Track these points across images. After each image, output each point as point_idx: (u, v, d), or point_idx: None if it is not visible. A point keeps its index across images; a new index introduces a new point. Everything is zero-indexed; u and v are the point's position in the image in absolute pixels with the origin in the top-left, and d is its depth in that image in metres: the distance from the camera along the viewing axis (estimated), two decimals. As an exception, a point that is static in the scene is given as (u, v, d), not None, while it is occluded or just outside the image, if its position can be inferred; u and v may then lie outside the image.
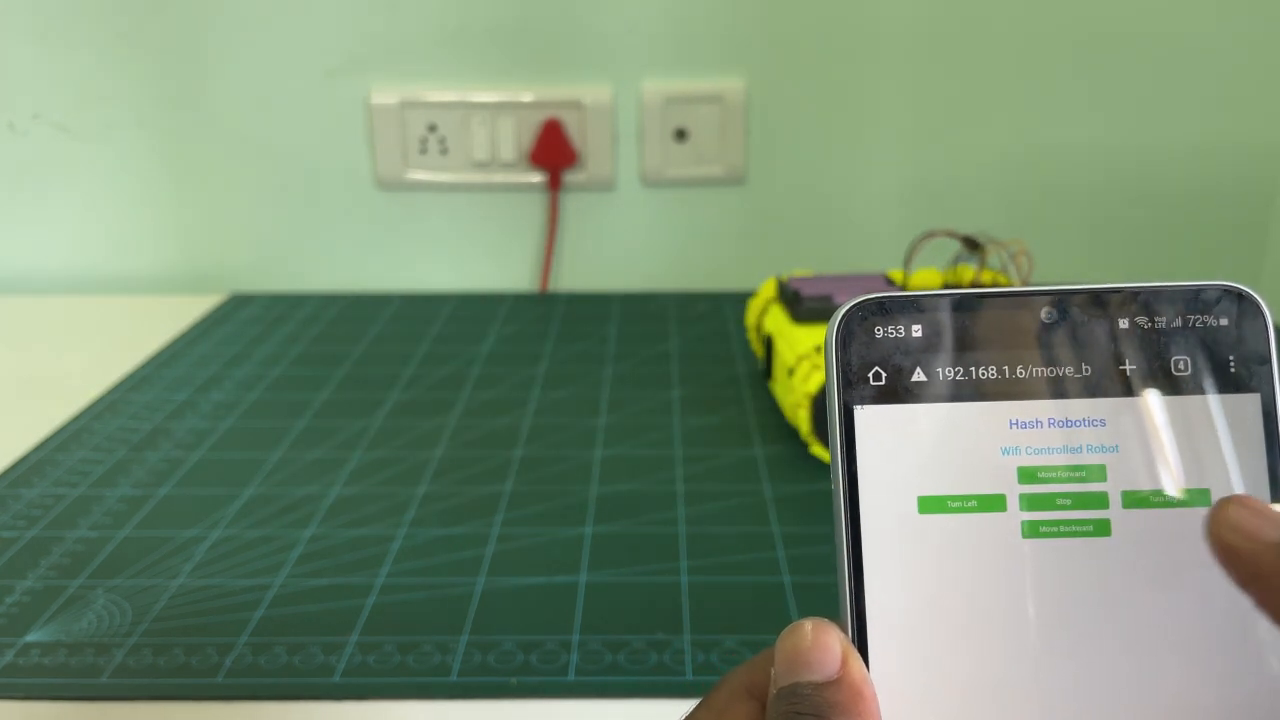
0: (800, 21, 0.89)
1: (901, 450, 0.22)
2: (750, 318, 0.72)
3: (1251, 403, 0.22)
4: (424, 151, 0.91)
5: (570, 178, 0.92)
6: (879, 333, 0.22)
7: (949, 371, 0.22)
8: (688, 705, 0.41)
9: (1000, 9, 0.88)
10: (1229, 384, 0.22)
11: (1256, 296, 0.22)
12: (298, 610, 0.47)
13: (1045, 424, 0.22)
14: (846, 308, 0.22)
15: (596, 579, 0.49)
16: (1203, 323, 0.22)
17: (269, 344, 0.80)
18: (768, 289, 0.71)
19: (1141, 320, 0.22)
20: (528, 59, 0.90)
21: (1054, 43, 0.89)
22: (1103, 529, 0.22)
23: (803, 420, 0.59)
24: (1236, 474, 0.22)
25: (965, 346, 0.22)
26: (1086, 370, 0.22)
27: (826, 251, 0.94)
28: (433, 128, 0.91)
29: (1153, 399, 0.22)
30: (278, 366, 0.76)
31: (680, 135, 0.91)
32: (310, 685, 0.42)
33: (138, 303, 0.90)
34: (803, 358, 0.60)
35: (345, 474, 0.60)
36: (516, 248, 0.95)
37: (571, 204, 0.94)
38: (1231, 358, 0.22)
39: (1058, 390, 0.22)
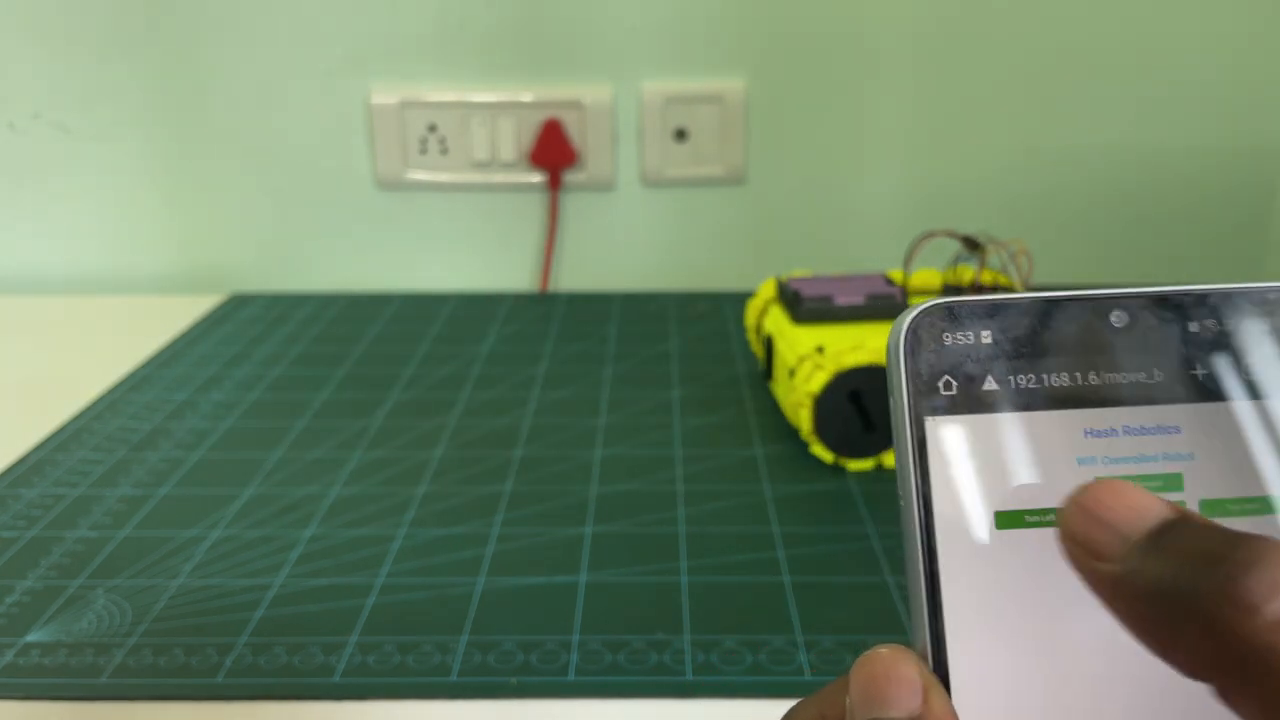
0: (800, 22, 0.89)
1: (975, 463, 0.21)
2: (750, 318, 0.72)
3: None
4: (424, 151, 0.91)
5: (570, 178, 0.92)
6: (948, 339, 0.21)
7: (1021, 379, 0.21)
8: (688, 705, 0.41)
9: (1000, 11, 0.88)
10: None
11: None
12: (298, 610, 0.47)
13: (1120, 432, 0.21)
14: (914, 313, 0.21)
15: (596, 579, 0.49)
16: (1275, 325, 0.21)
17: (269, 344, 0.80)
18: (767, 290, 0.71)
19: (1212, 323, 0.21)
20: (527, 59, 0.90)
21: (1054, 44, 0.89)
22: None
23: (804, 420, 0.59)
24: None
25: (1036, 353, 0.21)
26: (1159, 375, 0.21)
27: (826, 251, 0.94)
28: (433, 128, 0.91)
29: (1227, 404, 0.21)
30: (278, 366, 0.76)
31: (680, 135, 0.91)
32: (310, 685, 0.43)
33: (138, 303, 0.90)
34: (804, 358, 0.60)
35: (345, 474, 0.60)
36: (516, 247, 0.95)
37: (571, 204, 0.94)
38: None
39: (1131, 397, 0.21)
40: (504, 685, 0.42)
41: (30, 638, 0.45)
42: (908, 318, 0.21)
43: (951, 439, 0.21)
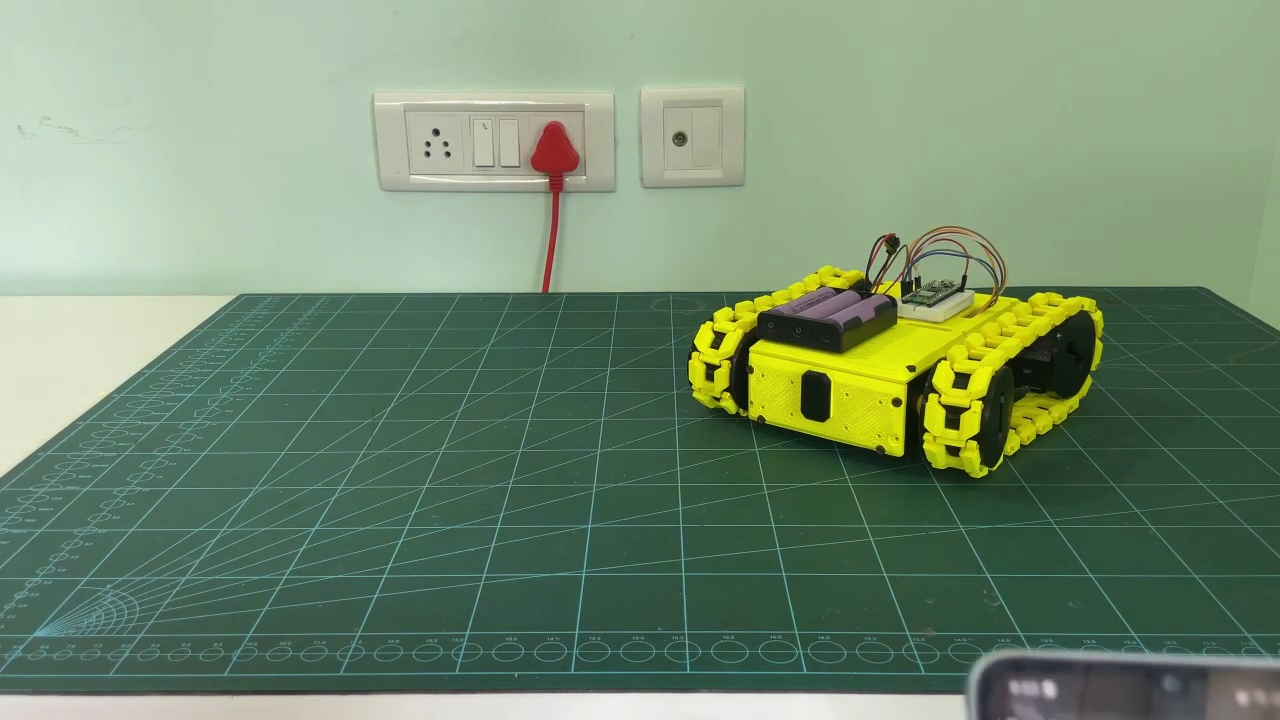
0: (798, 27, 0.89)
1: None
2: (715, 376, 0.65)
3: None
4: (428, 155, 0.92)
5: (571, 180, 0.93)
6: (1014, 687, 0.23)
7: None
8: (687, 698, 0.41)
9: (994, 15, 0.89)
10: None
11: None
12: (304, 605, 0.48)
13: None
14: (986, 663, 0.23)
15: (597, 574, 0.50)
16: None
17: (276, 343, 0.81)
18: (716, 334, 0.65)
19: (1259, 695, 0.22)
20: (530, 64, 0.90)
21: (1049, 47, 0.89)
22: None
23: (973, 453, 0.56)
24: None
25: (1092, 708, 0.23)
26: None
27: (824, 253, 0.95)
28: (436, 131, 0.91)
29: None
30: (284, 365, 0.76)
31: (680, 139, 0.92)
32: (316, 679, 0.43)
33: (146, 303, 0.91)
34: (919, 385, 0.57)
35: (350, 471, 0.60)
36: (518, 249, 0.96)
37: (572, 206, 0.94)
38: None
39: None
40: (506, 679, 0.43)
41: (39, 633, 0.46)
42: (980, 665, 0.23)
43: None
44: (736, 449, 0.63)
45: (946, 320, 0.64)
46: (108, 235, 0.95)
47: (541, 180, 0.92)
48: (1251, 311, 0.91)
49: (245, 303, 0.91)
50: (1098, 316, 0.67)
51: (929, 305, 0.64)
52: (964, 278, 0.68)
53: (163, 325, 0.85)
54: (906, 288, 0.66)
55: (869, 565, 0.50)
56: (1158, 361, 0.76)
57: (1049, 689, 0.23)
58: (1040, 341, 0.64)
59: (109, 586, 0.49)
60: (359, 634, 0.46)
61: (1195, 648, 0.44)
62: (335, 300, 0.91)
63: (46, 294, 0.95)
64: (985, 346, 0.59)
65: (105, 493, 0.58)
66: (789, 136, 0.92)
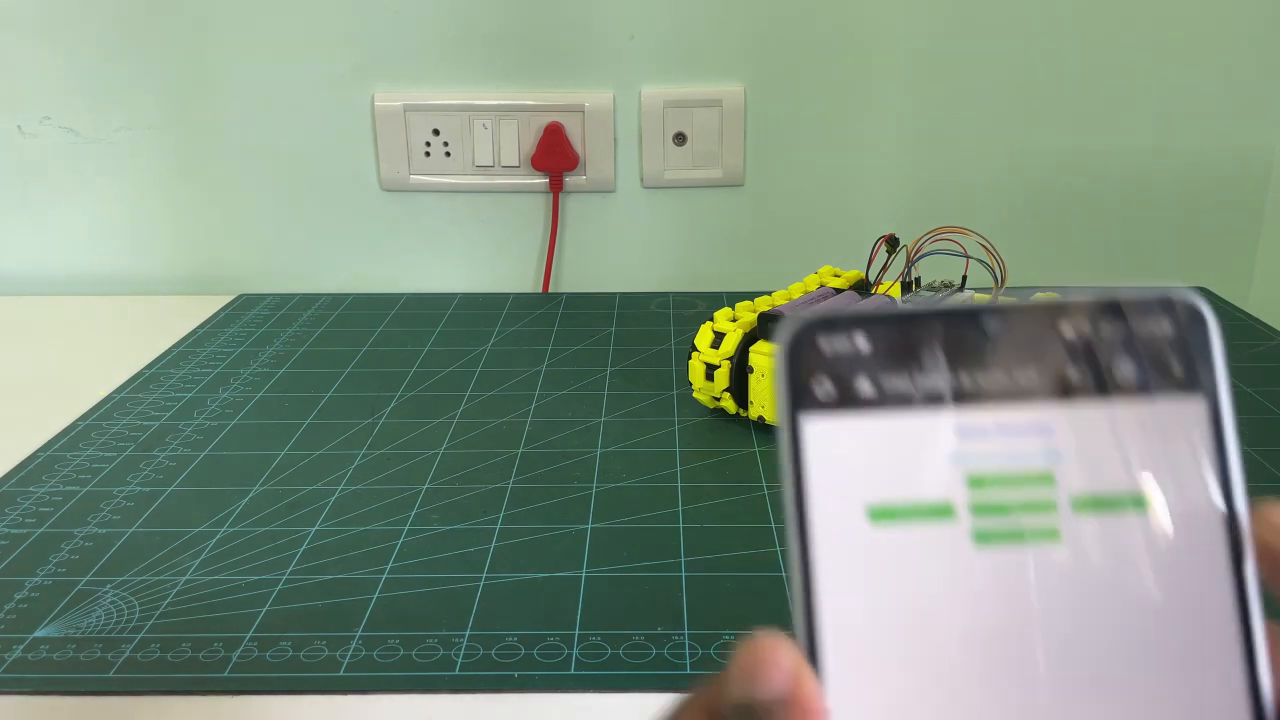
0: (798, 27, 0.89)
1: (850, 461, 0.22)
2: (715, 375, 0.65)
3: (1197, 406, 0.22)
4: (428, 155, 0.92)
5: (571, 180, 0.93)
6: (827, 347, 0.22)
7: (896, 383, 0.22)
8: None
9: (995, 16, 0.89)
10: (1175, 389, 0.22)
11: (1202, 303, 0.23)
12: (304, 605, 0.48)
13: (993, 431, 0.22)
14: (796, 324, 0.22)
15: (597, 574, 0.50)
16: (1148, 330, 0.22)
17: (275, 343, 0.81)
18: (715, 335, 0.66)
19: (1087, 328, 0.22)
20: (529, 64, 0.90)
21: (1049, 48, 0.89)
22: (1052, 535, 0.22)
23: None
24: (1183, 478, 0.22)
25: (912, 359, 0.22)
26: (1033, 379, 0.22)
27: (824, 253, 0.95)
28: (436, 131, 0.91)
29: (1099, 405, 0.22)
30: (284, 365, 0.76)
31: (679, 139, 0.92)
32: (316, 679, 0.43)
33: (146, 303, 0.91)
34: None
35: (350, 471, 0.60)
36: (518, 249, 0.96)
37: (572, 206, 0.94)
38: (1177, 363, 0.22)
39: (1004, 398, 0.22)
40: (506, 679, 0.43)
41: (39, 633, 0.46)
42: (789, 326, 0.22)
43: (827, 439, 0.22)
44: (736, 449, 0.63)
45: None
46: (108, 235, 0.95)
47: (541, 180, 0.92)
48: (1251, 312, 0.91)
49: (245, 303, 0.91)
50: None
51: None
52: (964, 278, 0.67)
53: (163, 325, 0.85)
54: (906, 288, 0.66)
55: (869, 565, 0.50)
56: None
57: (863, 344, 0.22)
58: None
59: (109, 586, 0.49)
60: (359, 634, 0.46)
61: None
62: (335, 300, 0.91)
63: (46, 294, 0.95)
64: None
65: (105, 493, 0.58)
66: (789, 136, 0.92)
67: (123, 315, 0.88)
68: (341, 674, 0.43)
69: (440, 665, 0.44)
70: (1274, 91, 0.90)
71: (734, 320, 0.66)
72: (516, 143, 0.91)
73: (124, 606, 0.48)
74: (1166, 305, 0.22)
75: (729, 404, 0.65)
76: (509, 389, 0.72)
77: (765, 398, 0.62)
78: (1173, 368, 0.22)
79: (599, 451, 0.63)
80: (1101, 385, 0.22)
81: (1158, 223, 0.94)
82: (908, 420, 0.22)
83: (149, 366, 0.76)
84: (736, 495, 0.57)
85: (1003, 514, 0.22)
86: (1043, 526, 0.22)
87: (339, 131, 0.92)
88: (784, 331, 0.22)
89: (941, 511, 0.22)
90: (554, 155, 0.91)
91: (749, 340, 0.64)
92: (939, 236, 0.64)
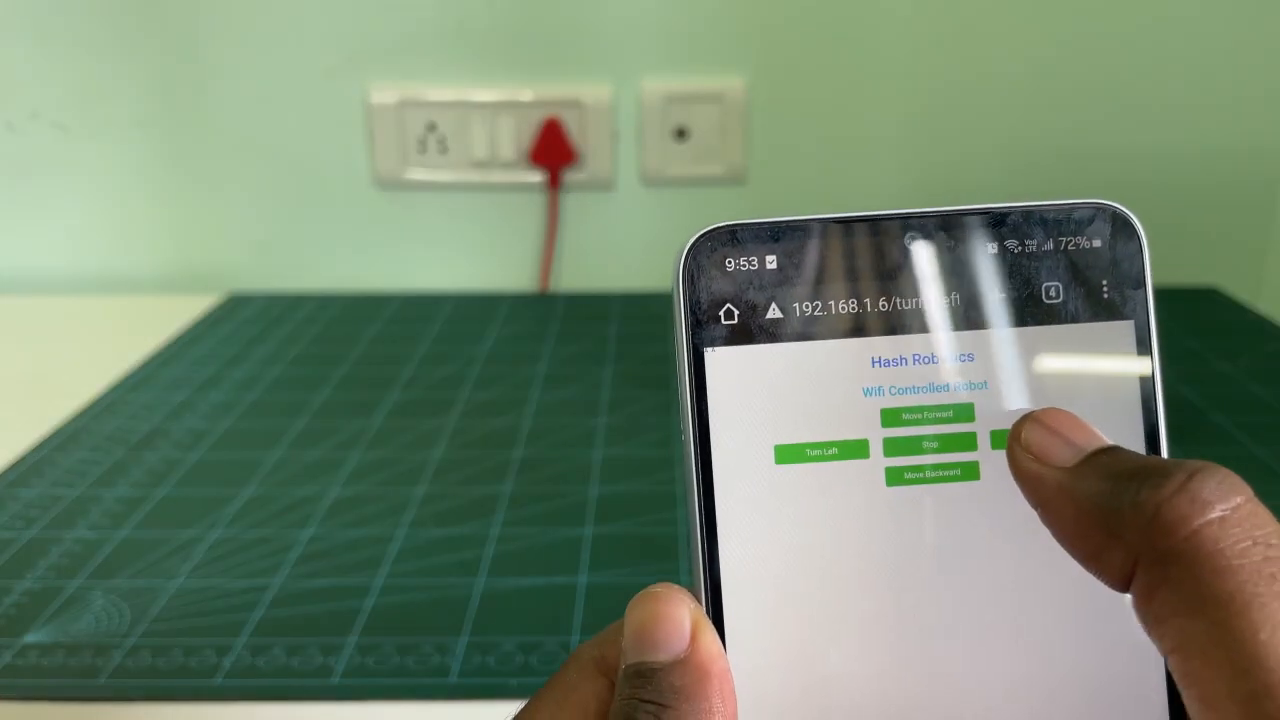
0: (800, 20, 0.88)
1: (756, 395, 0.20)
2: None
3: (1125, 330, 0.21)
4: (423, 151, 0.91)
5: (570, 177, 0.92)
6: (730, 265, 0.20)
7: (806, 307, 0.20)
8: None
9: (999, 11, 0.88)
10: (1102, 311, 0.21)
11: (1131, 215, 0.21)
12: (297, 611, 0.47)
13: (909, 361, 0.20)
14: (694, 238, 0.20)
15: (596, 580, 0.49)
16: (1074, 245, 0.21)
17: (267, 344, 0.80)
18: None
19: (1010, 244, 0.21)
20: (527, 58, 0.90)
21: (1054, 44, 0.89)
22: (971, 472, 0.20)
23: None
24: (1109, 404, 0.20)
25: (823, 279, 0.20)
26: (953, 301, 0.21)
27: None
28: (432, 127, 0.91)
29: (1022, 330, 0.20)
30: (276, 366, 0.75)
31: (680, 134, 0.91)
32: (309, 686, 0.42)
33: (136, 303, 0.90)
34: None
35: (344, 474, 0.60)
36: (516, 247, 0.95)
37: (571, 203, 0.94)
38: (1105, 283, 0.21)
39: (922, 324, 0.20)
40: (503, 687, 0.42)
41: (29, 638, 0.45)
42: (688, 242, 0.20)
43: (731, 370, 0.20)
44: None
45: None
46: (97, 233, 0.94)
47: (539, 177, 0.92)
48: (1263, 312, 0.91)
49: (237, 302, 0.90)
50: None
51: None
52: None
53: (154, 325, 0.84)
54: None
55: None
56: (1169, 362, 0.75)
57: (770, 261, 0.20)
58: None
59: (99, 591, 0.49)
60: (353, 640, 0.45)
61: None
62: (328, 300, 0.90)
63: (35, 293, 0.95)
64: None
65: (95, 496, 0.57)
66: (791, 131, 0.91)
67: (112, 315, 0.87)
68: (335, 681, 0.43)
69: (436, 672, 0.43)
70: None
71: None
72: (514, 138, 0.90)
73: (114, 611, 0.47)
74: (1093, 217, 0.21)
75: None
76: (506, 390, 0.71)
77: None
78: (1102, 287, 0.21)
79: (598, 454, 0.62)
80: (1025, 306, 0.20)
81: (1167, 221, 0.93)
82: (818, 349, 0.20)
83: (139, 368, 0.75)
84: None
85: (918, 451, 0.20)
86: (960, 463, 0.20)
87: (332, 127, 0.91)
88: (683, 247, 0.20)
89: (853, 450, 0.20)
90: (552, 151, 0.90)
91: None
92: None
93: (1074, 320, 0.21)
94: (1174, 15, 0.88)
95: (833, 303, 0.21)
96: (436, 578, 0.49)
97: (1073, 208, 0.21)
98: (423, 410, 0.68)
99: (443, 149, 0.91)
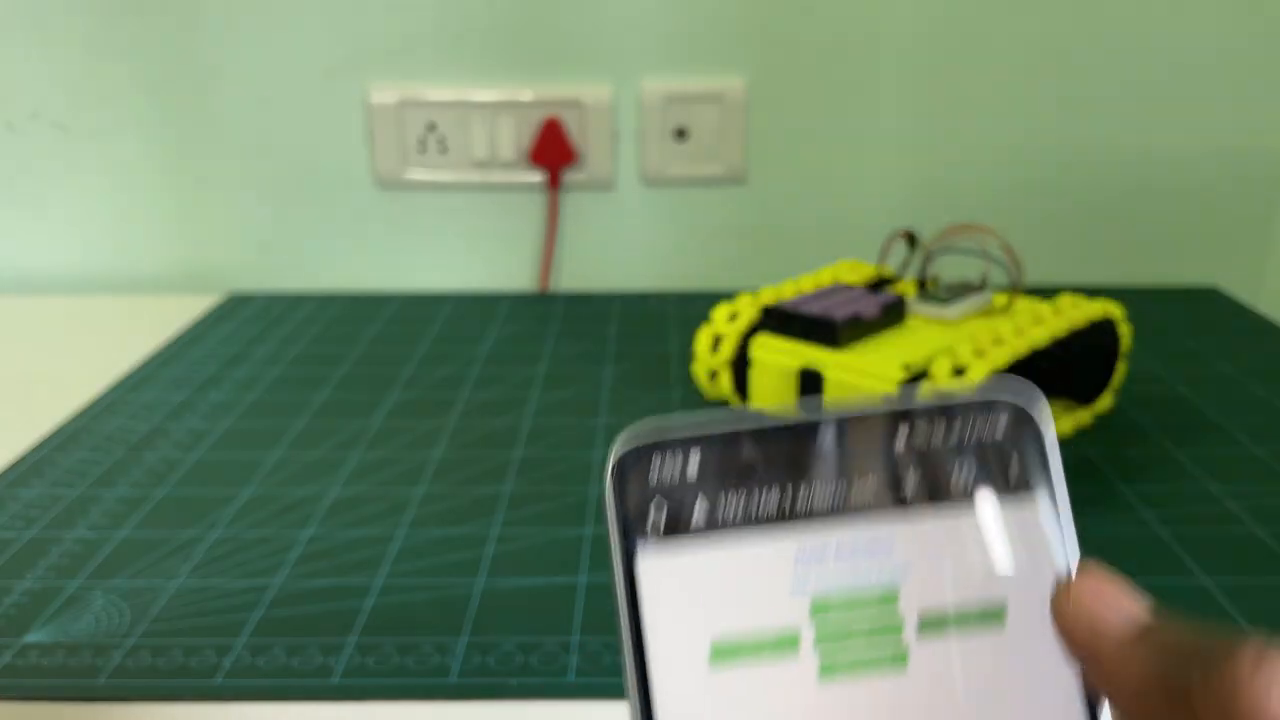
0: (800, 20, 0.88)
1: (688, 596, 0.21)
2: (716, 358, 0.65)
3: (1031, 509, 0.21)
4: (423, 151, 0.91)
5: (570, 177, 0.92)
6: (655, 469, 0.21)
7: (731, 507, 0.21)
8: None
9: (999, 10, 0.88)
10: (1010, 493, 0.21)
11: (1030, 405, 0.21)
12: (297, 611, 0.47)
13: (833, 554, 0.21)
14: (621, 448, 0.21)
15: (596, 580, 0.49)
16: (979, 435, 0.21)
17: (268, 344, 0.80)
18: (718, 325, 0.65)
19: (918, 437, 0.21)
20: (527, 58, 0.90)
21: (1055, 43, 0.89)
22: (900, 660, 0.21)
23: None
24: (1026, 583, 0.21)
25: (745, 478, 0.21)
26: (870, 493, 0.21)
27: (826, 250, 0.94)
28: (432, 127, 0.91)
29: (936, 516, 0.21)
30: (276, 366, 0.75)
31: (680, 134, 0.91)
32: (309, 686, 0.42)
33: (136, 302, 0.90)
34: (910, 381, 0.57)
35: (344, 474, 0.60)
36: (516, 247, 0.95)
37: (571, 203, 0.94)
38: (1011, 467, 0.21)
39: (842, 517, 0.21)
40: (504, 686, 0.42)
41: (29, 638, 0.45)
42: (614, 451, 0.21)
43: (663, 572, 0.21)
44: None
45: (960, 319, 0.63)
46: (97, 233, 0.95)
47: (539, 177, 0.92)
48: (1264, 311, 0.91)
49: (238, 302, 0.90)
50: (1124, 330, 0.64)
51: (943, 303, 0.63)
52: (984, 277, 0.67)
53: (154, 325, 0.84)
54: (922, 285, 0.65)
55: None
56: (1169, 362, 0.75)
57: (693, 465, 0.21)
58: (1059, 344, 0.62)
59: (99, 591, 0.49)
60: (353, 640, 0.45)
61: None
62: (329, 300, 0.90)
63: (35, 293, 0.95)
64: (993, 344, 0.58)
65: (95, 496, 0.57)
66: (791, 131, 0.91)
67: (112, 315, 0.87)
68: (335, 681, 0.43)
69: (436, 672, 0.43)
70: None
71: (733, 318, 0.65)
72: (514, 138, 0.90)
73: (114, 611, 0.47)
74: (993, 407, 0.21)
75: (733, 398, 0.64)
76: (506, 390, 0.71)
77: (764, 393, 0.62)
78: (1007, 470, 0.21)
79: (598, 454, 0.62)
80: (937, 493, 0.21)
81: (1168, 222, 0.93)
82: (745, 547, 0.21)
83: (140, 368, 0.75)
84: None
85: (847, 641, 0.21)
86: (889, 653, 0.21)
87: (333, 127, 0.91)
88: (610, 455, 0.21)
89: (785, 644, 0.21)
90: (552, 151, 0.90)
91: (751, 334, 0.64)
92: (956, 234, 0.63)
93: (984, 503, 0.21)
94: (1173, 16, 0.88)
95: (757, 501, 0.21)
96: (436, 578, 0.49)
97: (973, 402, 0.22)
98: (423, 410, 0.68)
99: (443, 149, 0.91)
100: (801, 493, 0.21)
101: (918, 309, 0.63)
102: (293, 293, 0.93)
